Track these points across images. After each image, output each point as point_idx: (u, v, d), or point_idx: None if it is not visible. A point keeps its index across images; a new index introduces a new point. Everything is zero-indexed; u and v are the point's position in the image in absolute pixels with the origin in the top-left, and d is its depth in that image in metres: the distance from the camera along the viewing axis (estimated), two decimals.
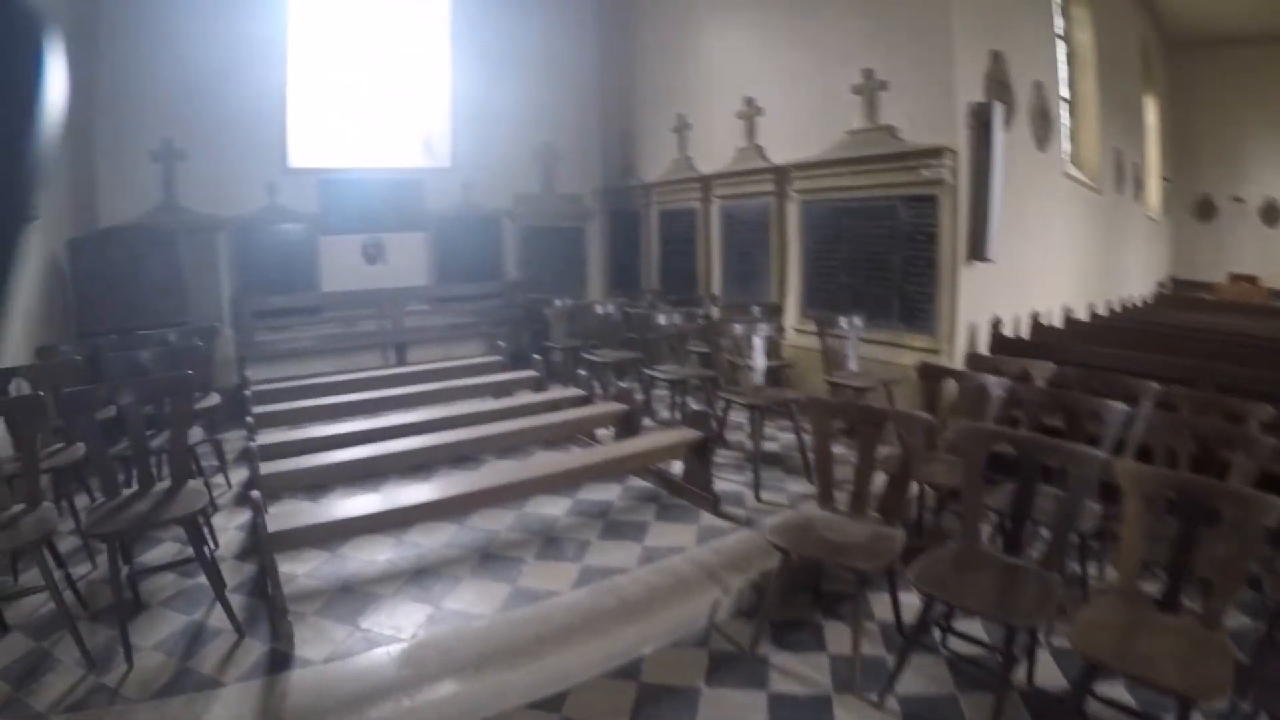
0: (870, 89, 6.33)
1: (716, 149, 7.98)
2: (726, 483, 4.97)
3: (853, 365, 5.79)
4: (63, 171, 6.21)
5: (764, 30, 7.45)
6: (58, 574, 3.42)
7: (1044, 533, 3.32)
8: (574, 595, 3.60)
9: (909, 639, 2.97)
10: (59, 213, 6.06)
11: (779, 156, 7.21)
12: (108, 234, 6.66)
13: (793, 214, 7.11)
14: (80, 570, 3.83)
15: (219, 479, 5.08)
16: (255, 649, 3.18)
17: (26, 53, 0.45)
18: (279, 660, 3.10)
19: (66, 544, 4.03)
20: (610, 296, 8.94)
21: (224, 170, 7.56)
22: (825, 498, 3.44)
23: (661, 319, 6.35)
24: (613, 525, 4.40)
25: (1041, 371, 4.35)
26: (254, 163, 7.76)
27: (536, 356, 6.62)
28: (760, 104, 7.47)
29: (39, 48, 0.45)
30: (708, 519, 4.45)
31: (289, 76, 7.98)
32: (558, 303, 7.74)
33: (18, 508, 3.28)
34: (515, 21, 8.94)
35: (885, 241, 6.26)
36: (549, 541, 4.20)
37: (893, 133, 6.17)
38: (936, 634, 3.24)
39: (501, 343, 7.30)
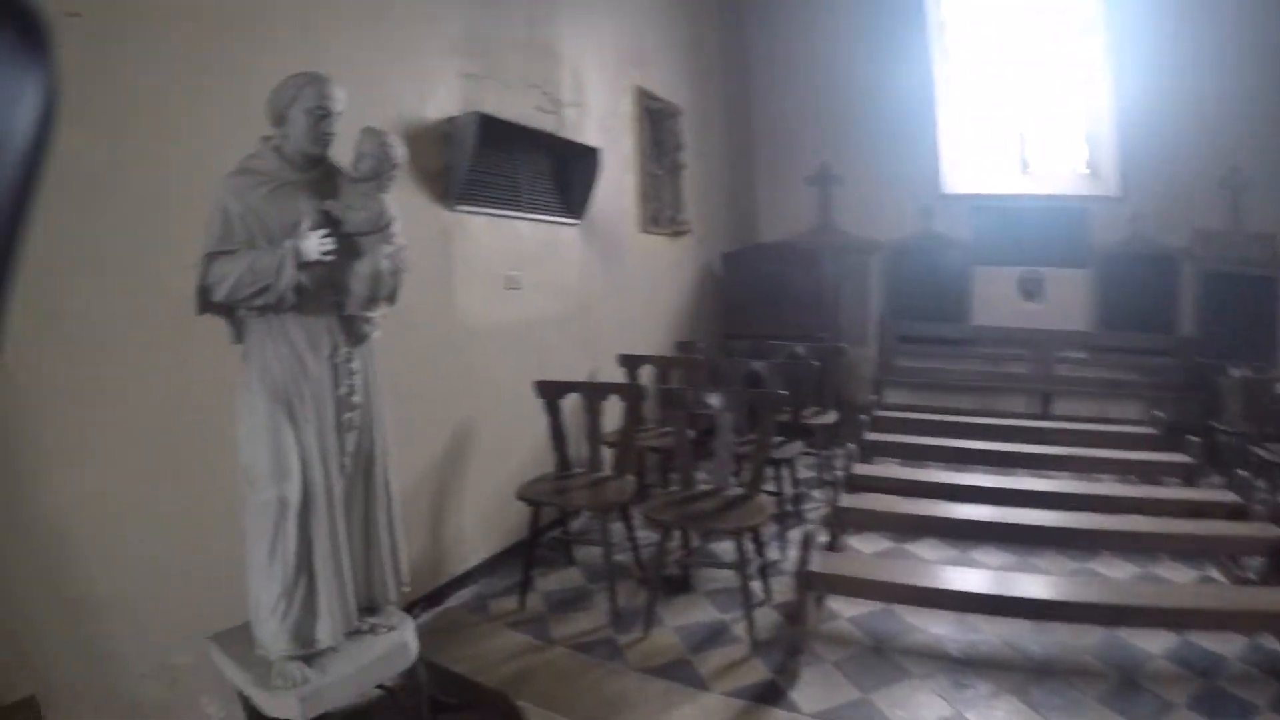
0: None
1: None
2: None
3: None
4: (723, 192, 7.02)
5: None
6: (628, 538, 3.80)
7: None
8: None
9: None
10: (718, 228, 6.84)
11: None
12: (759, 249, 7.28)
13: None
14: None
15: (819, 492, 4.98)
16: (758, 671, 2.95)
17: (33, 56, 0.45)
18: (770, 693, 2.79)
19: None
20: None
21: (878, 194, 7.54)
22: None
23: None
24: (1210, 695, 2.74)
25: None
26: (908, 187, 7.54)
27: (1193, 438, 4.75)
28: None
29: (45, 52, 0.45)
30: None
31: (940, 97, 7.55)
32: (1234, 372, 5.65)
33: (609, 474, 3.69)
34: (1180, 17, 6.74)
35: None
36: (1123, 685, 2.82)
37: None
38: None
39: (1159, 413, 5.55)
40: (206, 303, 1.99)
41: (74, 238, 2.08)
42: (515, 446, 3.96)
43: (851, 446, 4.50)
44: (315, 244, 2.02)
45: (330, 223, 2.11)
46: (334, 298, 2.14)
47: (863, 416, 5.33)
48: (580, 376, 4.35)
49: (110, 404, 2.19)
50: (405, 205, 3.35)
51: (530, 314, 4.14)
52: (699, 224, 6.17)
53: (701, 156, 6.29)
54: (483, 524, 3.80)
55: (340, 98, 2.08)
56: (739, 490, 3.46)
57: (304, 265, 1.99)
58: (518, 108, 3.98)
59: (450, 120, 3.49)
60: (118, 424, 2.21)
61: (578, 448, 3.92)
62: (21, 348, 1.95)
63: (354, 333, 2.21)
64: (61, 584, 2.05)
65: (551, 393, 3.62)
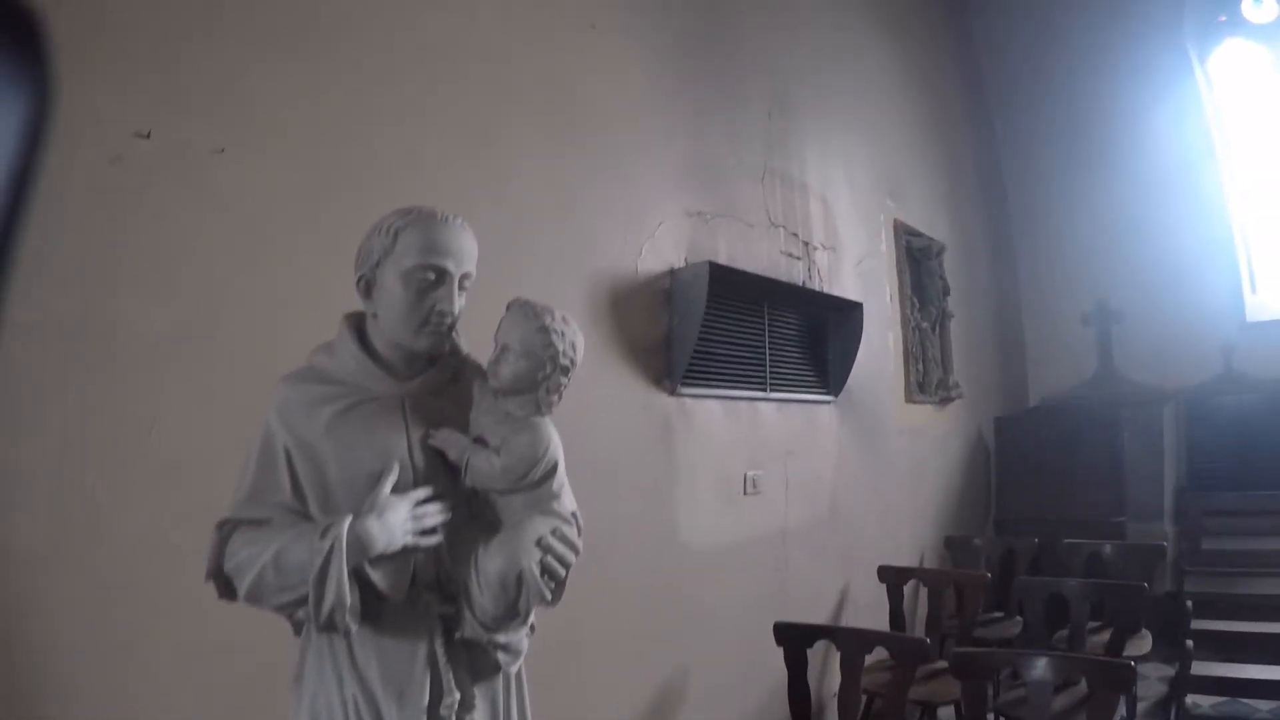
0: None
1: None
2: None
3: None
4: (991, 343, 5.87)
5: None
6: None
7: None
8: None
9: None
10: (988, 388, 5.63)
11: None
12: (1036, 412, 5.98)
13: None
14: None
15: None
16: None
17: (31, 55, 0.41)
18: None
19: None
20: None
21: (1166, 330, 6.01)
22: None
23: None
24: None
25: None
26: (1202, 320, 5.95)
27: None
28: None
29: (42, 51, 0.42)
30: None
31: (1234, 211, 6.12)
32: None
33: None
34: None
35: None
36: None
37: None
38: None
39: None
40: (230, 591, 1.14)
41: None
42: (737, 704, 2.89)
43: (1177, 706, 3.20)
44: (401, 521, 1.10)
45: (442, 471, 1.19)
46: (443, 608, 1.18)
47: (1189, 643, 3.83)
48: (831, 599, 3.30)
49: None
50: (610, 392, 2.48)
51: (771, 525, 3.17)
52: (968, 384, 4.98)
53: (968, 301, 5.17)
54: None
55: (465, 251, 1.18)
56: None
57: (379, 560, 1.09)
58: (758, 254, 3.16)
59: (672, 273, 2.68)
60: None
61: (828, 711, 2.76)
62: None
63: (476, 664, 1.22)
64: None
65: (795, 639, 2.57)
